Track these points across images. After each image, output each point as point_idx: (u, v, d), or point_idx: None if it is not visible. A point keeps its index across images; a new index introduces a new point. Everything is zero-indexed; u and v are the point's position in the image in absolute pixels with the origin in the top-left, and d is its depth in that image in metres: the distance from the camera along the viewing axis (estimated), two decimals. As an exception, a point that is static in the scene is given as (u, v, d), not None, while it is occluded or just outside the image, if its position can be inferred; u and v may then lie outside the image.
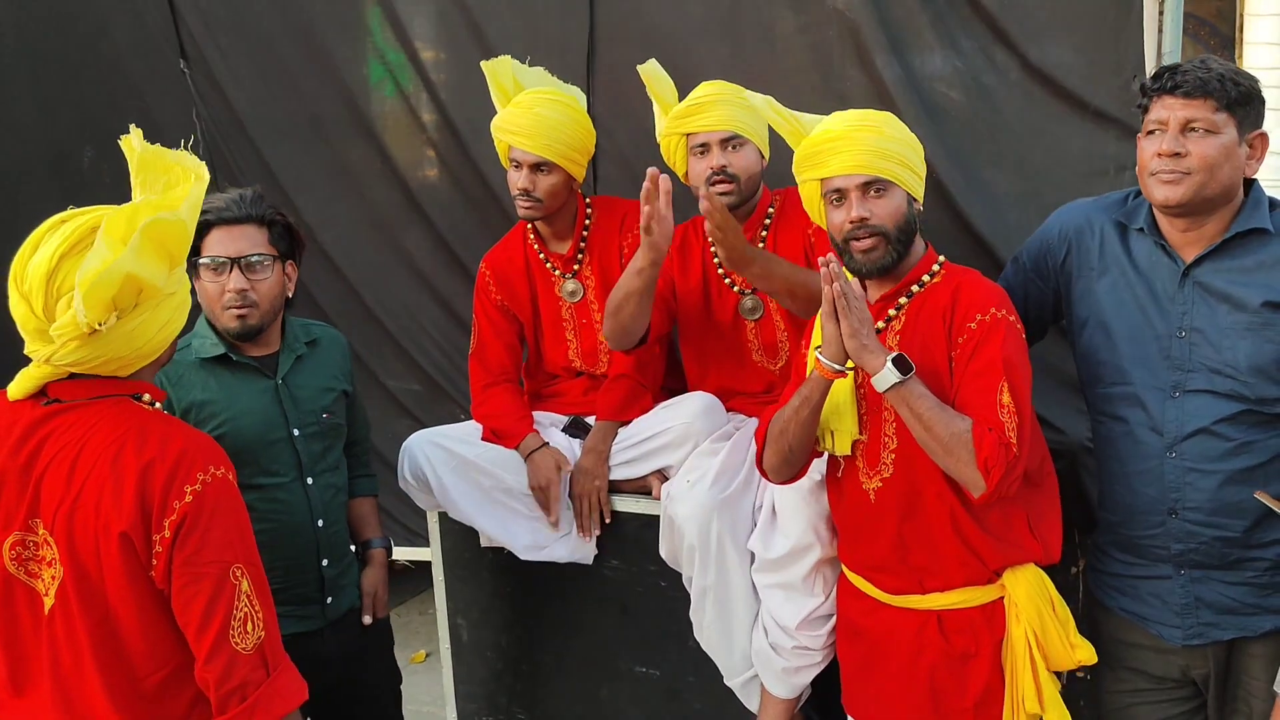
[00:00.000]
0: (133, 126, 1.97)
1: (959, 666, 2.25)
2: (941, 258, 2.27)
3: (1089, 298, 2.30)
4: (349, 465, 2.75)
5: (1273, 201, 2.18)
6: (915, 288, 2.25)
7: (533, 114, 2.86)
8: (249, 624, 1.86)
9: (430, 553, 3.18)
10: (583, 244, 3.03)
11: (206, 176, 1.96)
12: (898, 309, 2.25)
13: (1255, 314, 2.11)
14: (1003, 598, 2.22)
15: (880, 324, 2.26)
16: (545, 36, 3.48)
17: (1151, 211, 2.23)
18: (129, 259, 1.78)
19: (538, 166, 2.86)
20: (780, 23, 3.31)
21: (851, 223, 2.21)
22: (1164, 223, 2.21)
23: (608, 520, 2.87)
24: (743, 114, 2.70)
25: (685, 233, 2.91)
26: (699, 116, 2.72)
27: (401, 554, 4.04)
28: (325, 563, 2.54)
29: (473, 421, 3.09)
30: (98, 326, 1.79)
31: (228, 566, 1.85)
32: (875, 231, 2.20)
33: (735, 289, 2.84)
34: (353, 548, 2.72)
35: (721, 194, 2.65)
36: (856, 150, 2.20)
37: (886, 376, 2.09)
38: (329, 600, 2.55)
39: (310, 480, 2.52)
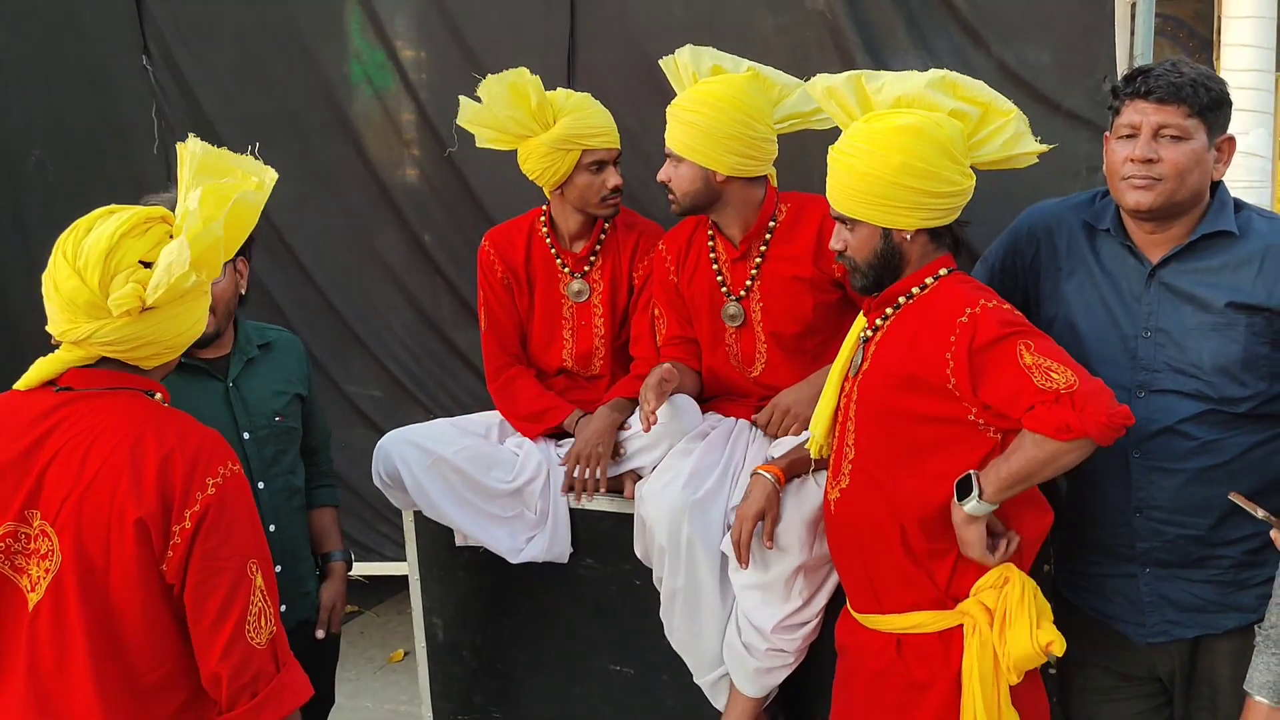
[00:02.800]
0: (191, 135, 1.99)
1: (916, 696, 2.21)
2: (943, 270, 2.22)
3: (1056, 297, 2.32)
4: (309, 474, 2.73)
5: (1238, 203, 2.20)
6: (903, 299, 2.23)
7: (604, 112, 2.97)
8: (263, 619, 1.89)
9: (407, 553, 3.17)
10: (598, 246, 3.04)
11: (274, 176, 2.01)
12: (884, 319, 2.25)
13: (1220, 315, 2.13)
14: (962, 625, 2.15)
15: (868, 332, 2.28)
16: (526, 36, 3.49)
17: (1118, 212, 2.25)
18: (219, 226, 1.86)
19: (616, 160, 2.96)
20: (759, 23, 3.33)
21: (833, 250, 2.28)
22: (1130, 224, 2.23)
23: (602, 490, 2.86)
24: (683, 132, 2.70)
25: (690, 228, 2.92)
26: (668, 129, 2.77)
27: (359, 569, 4.01)
28: (279, 569, 2.43)
29: (443, 419, 3.09)
30: (150, 304, 1.84)
31: (245, 561, 1.88)
32: (848, 262, 2.25)
33: (724, 290, 2.84)
34: (312, 559, 2.71)
35: (670, 201, 2.76)
36: (831, 183, 2.22)
37: (981, 507, 2.10)
38: (282, 609, 2.45)
39: (261, 484, 2.49)
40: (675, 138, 2.71)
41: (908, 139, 2.13)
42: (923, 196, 2.14)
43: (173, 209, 1.93)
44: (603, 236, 3.05)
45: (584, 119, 2.92)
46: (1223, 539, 2.17)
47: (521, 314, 3.12)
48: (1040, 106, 3.05)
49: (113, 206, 1.91)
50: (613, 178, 2.94)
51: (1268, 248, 2.13)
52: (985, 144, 2.24)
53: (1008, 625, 2.10)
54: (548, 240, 3.06)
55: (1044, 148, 2.28)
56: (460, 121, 3.02)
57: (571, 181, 2.94)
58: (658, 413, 2.65)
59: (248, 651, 1.86)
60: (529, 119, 2.90)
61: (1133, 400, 2.17)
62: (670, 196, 2.76)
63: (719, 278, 2.84)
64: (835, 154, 2.22)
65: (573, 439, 2.95)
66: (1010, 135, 2.25)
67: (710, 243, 2.85)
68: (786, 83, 2.82)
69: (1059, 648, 2.09)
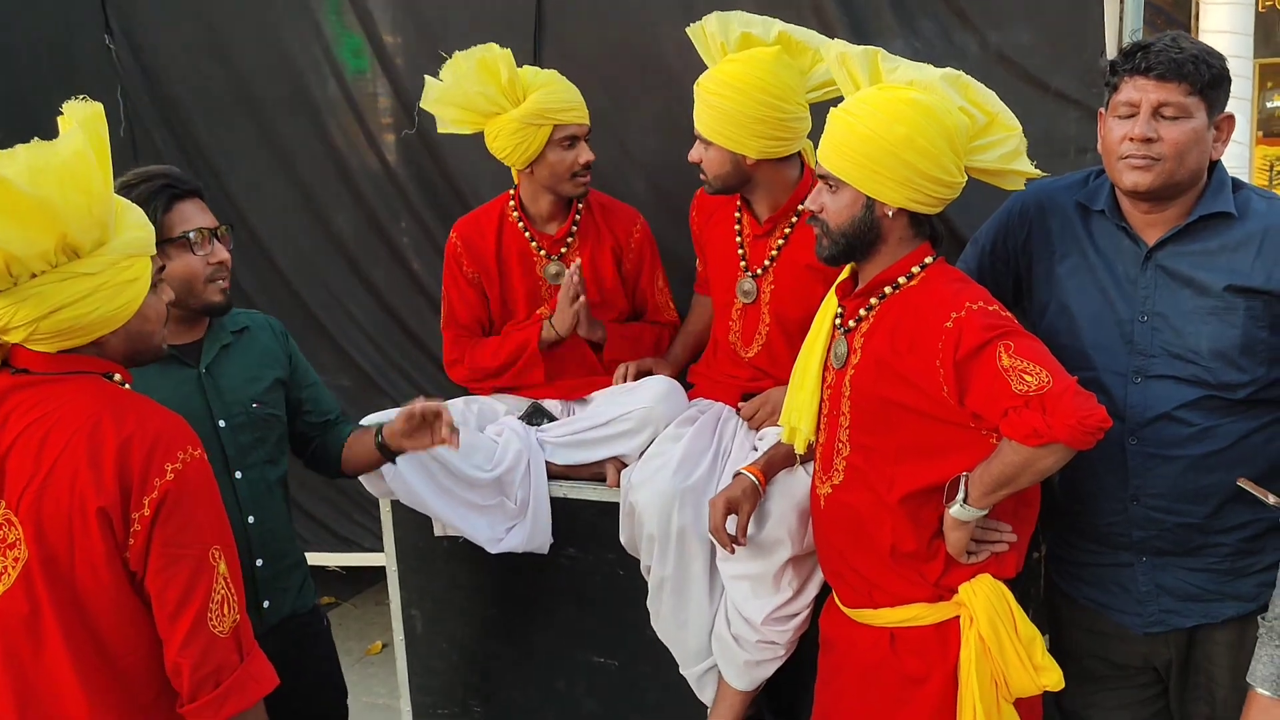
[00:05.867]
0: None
1: (910, 691, 2.16)
2: (928, 259, 2.16)
3: (1050, 280, 2.27)
4: (334, 434, 2.61)
5: (1236, 183, 2.15)
6: (888, 289, 2.17)
7: (569, 86, 2.94)
8: (225, 607, 1.84)
9: (384, 543, 3.10)
10: (574, 227, 2.99)
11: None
12: (868, 309, 2.19)
13: (1218, 298, 2.08)
14: (958, 617, 2.12)
15: (851, 323, 2.22)
16: (491, 12, 3.42)
17: (1113, 193, 2.20)
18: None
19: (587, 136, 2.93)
20: (740, 3, 3.26)
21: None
22: (1126, 205, 2.18)
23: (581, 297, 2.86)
24: (708, 116, 2.63)
25: (722, 202, 2.86)
26: (696, 109, 2.70)
27: (335, 560, 4.02)
28: (259, 562, 2.39)
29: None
30: None
31: (207, 548, 1.82)
32: (820, 224, 2.18)
33: (743, 264, 2.78)
34: (298, 552, 2.59)
35: (701, 181, 2.72)
36: (826, 140, 2.15)
37: (967, 512, 2.07)
38: (265, 604, 2.40)
39: (238, 474, 2.38)
40: (703, 121, 2.64)
41: (917, 114, 2.07)
42: (916, 175, 2.07)
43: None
44: (578, 218, 3.00)
45: (554, 93, 2.87)
46: (1220, 526, 2.13)
47: (494, 304, 3.07)
48: (1029, 87, 3.01)
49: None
50: (584, 153, 2.90)
51: (1267, 229, 2.08)
52: (984, 151, 2.17)
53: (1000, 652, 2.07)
54: (520, 224, 3.00)
55: (1036, 173, 2.24)
56: (424, 103, 2.96)
57: (543, 158, 2.89)
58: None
59: (210, 641, 1.81)
60: (499, 95, 2.84)
61: (1129, 386, 2.13)
62: (702, 176, 2.71)
63: (740, 251, 2.79)
64: (839, 113, 2.15)
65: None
66: (1009, 150, 2.19)
67: (737, 214, 2.80)
68: (820, 45, 2.70)
69: (1057, 686, 2.09)
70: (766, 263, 2.73)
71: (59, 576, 1.78)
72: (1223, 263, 2.09)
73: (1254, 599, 2.11)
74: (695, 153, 2.70)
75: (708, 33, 2.71)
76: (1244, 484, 1.66)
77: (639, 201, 3.18)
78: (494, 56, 2.82)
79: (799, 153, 2.72)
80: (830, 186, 2.15)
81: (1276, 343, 2.09)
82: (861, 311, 2.19)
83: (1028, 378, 1.94)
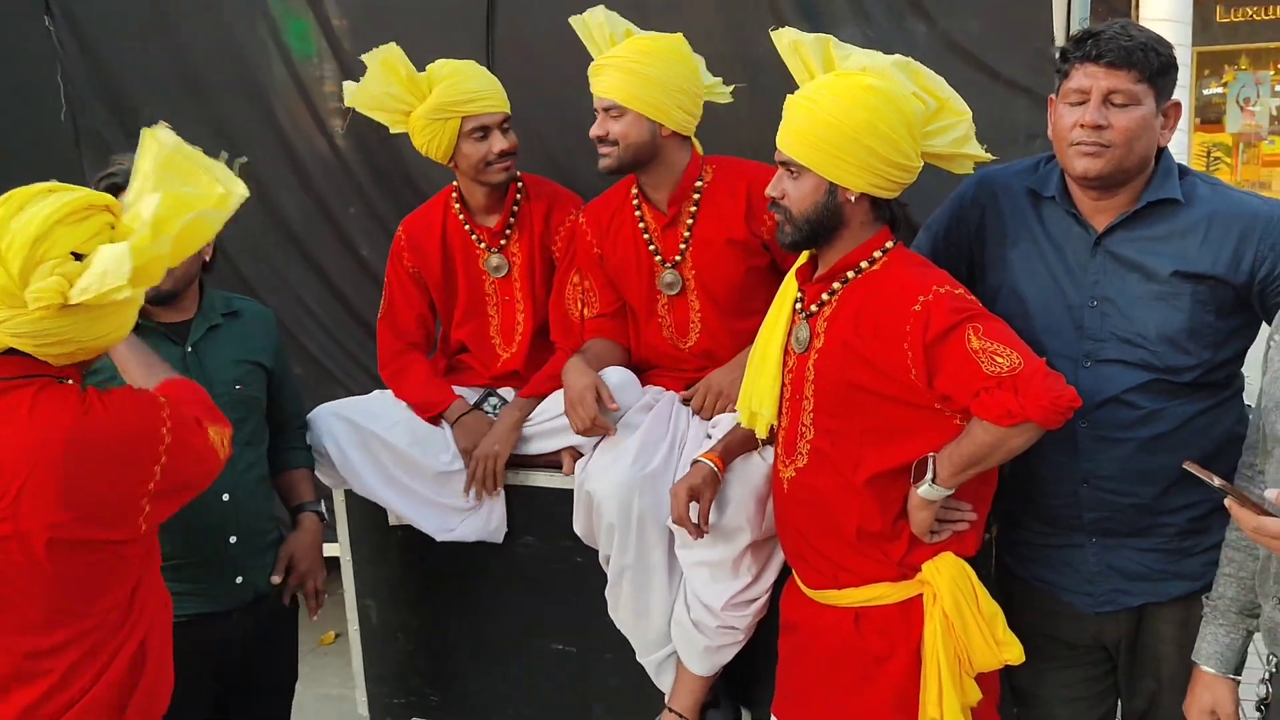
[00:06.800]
0: (163, 121, 1.85)
1: (875, 669, 2.19)
2: (889, 243, 2.18)
3: (1001, 265, 2.29)
4: (279, 441, 2.69)
5: (1181, 169, 2.18)
6: (851, 273, 2.18)
7: (482, 74, 2.90)
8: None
9: (338, 534, 3.07)
10: (512, 219, 2.96)
11: (244, 194, 1.85)
12: (830, 294, 2.20)
13: (1166, 283, 2.12)
14: (922, 595, 2.15)
15: (814, 307, 2.23)
16: (446, 5, 3.38)
17: (1063, 179, 2.22)
18: (167, 242, 1.73)
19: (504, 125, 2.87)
20: (694, -9, 3.26)
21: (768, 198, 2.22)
22: (1076, 191, 2.21)
23: (499, 490, 2.82)
24: (629, 82, 2.61)
25: (613, 198, 2.85)
26: (595, 79, 2.68)
27: None
28: (233, 539, 2.45)
29: (379, 393, 3.01)
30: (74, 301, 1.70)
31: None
32: (782, 211, 2.18)
33: (658, 258, 2.77)
34: (274, 531, 2.63)
35: (602, 156, 2.67)
36: (786, 127, 2.16)
37: (935, 492, 2.10)
38: (238, 580, 2.46)
39: None
40: (620, 88, 2.61)
41: (876, 100, 2.09)
42: (877, 160, 2.09)
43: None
44: (515, 208, 2.97)
45: (457, 84, 2.83)
46: (1168, 507, 2.17)
47: (436, 296, 3.05)
48: (979, 75, 3.04)
49: (54, 185, 1.75)
50: (498, 142, 2.84)
51: (1212, 214, 2.12)
52: (936, 136, 2.20)
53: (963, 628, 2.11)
54: (461, 216, 2.97)
55: (986, 156, 2.27)
56: (347, 103, 2.93)
57: (459, 151, 2.86)
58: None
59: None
60: (404, 92, 2.82)
61: (1079, 370, 2.16)
62: (606, 151, 2.65)
63: (650, 247, 2.77)
64: (798, 99, 2.16)
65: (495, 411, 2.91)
66: (960, 135, 2.22)
67: (637, 212, 2.78)
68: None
69: (1018, 659, 2.13)
70: (682, 246, 2.73)
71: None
72: (1170, 248, 2.13)
73: (1200, 577, 2.15)
74: (600, 127, 2.64)
75: (593, 24, 2.73)
76: (1189, 466, 1.69)
77: (596, 189, 3.15)
78: (393, 56, 2.81)
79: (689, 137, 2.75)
80: (792, 173, 2.16)
81: (1222, 326, 2.13)
82: (824, 296, 2.21)
83: (999, 359, 1.97)
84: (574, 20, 2.77)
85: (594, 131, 2.66)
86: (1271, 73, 9.87)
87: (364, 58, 2.83)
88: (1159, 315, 2.12)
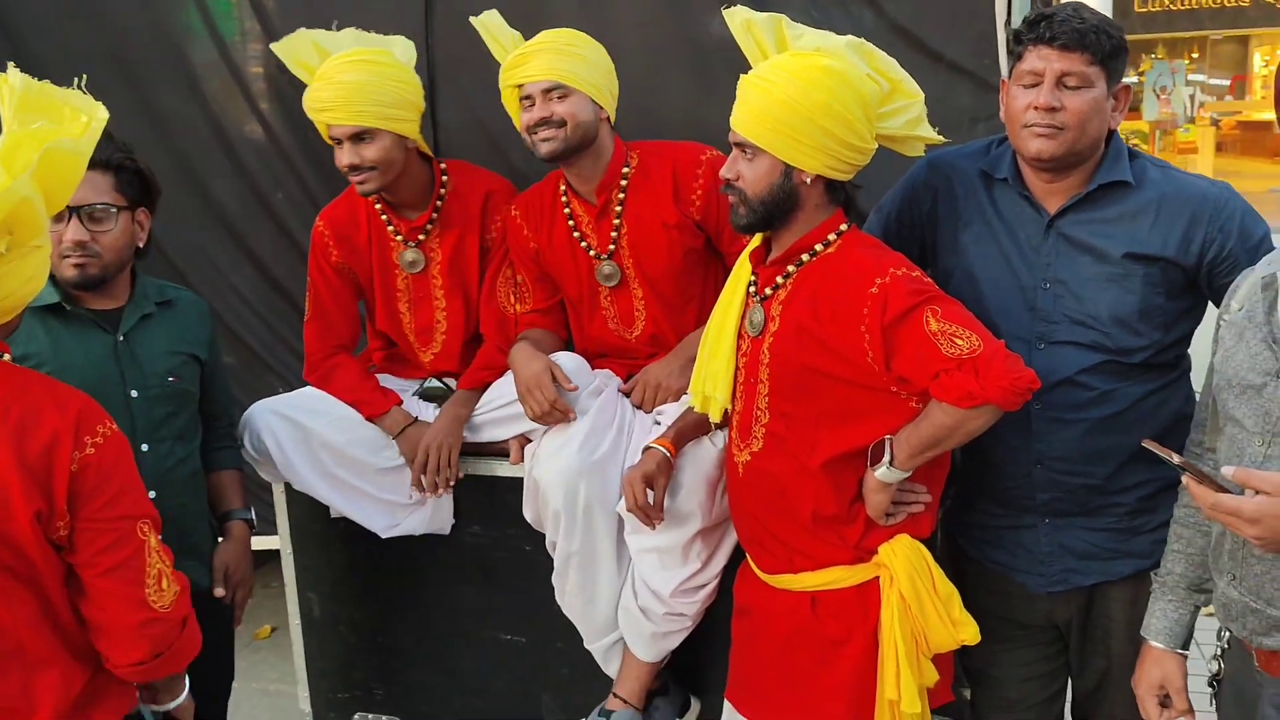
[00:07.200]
0: (10, 64, 1.80)
1: (832, 653, 2.19)
2: (844, 226, 2.17)
3: (954, 248, 2.30)
4: (209, 438, 2.60)
5: (1131, 152, 2.20)
6: (806, 256, 2.17)
7: (336, 83, 2.63)
8: (164, 581, 1.86)
9: (278, 526, 3.00)
10: (435, 213, 2.85)
11: (104, 115, 1.83)
12: (785, 277, 2.19)
13: (1117, 265, 2.14)
14: (878, 577, 2.15)
15: (768, 290, 2.21)
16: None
17: (1015, 161, 2.23)
18: (25, 182, 1.67)
19: (358, 137, 2.64)
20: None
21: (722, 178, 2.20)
22: (1028, 174, 2.21)
23: (452, 483, 2.75)
24: (570, 63, 2.57)
25: (543, 192, 2.79)
26: (524, 67, 2.59)
27: None
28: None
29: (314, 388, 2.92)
30: None
31: (135, 523, 1.82)
32: (737, 193, 2.15)
33: (592, 253, 2.72)
34: (207, 530, 2.55)
35: (546, 140, 2.56)
36: (740, 108, 2.13)
37: (892, 474, 2.10)
38: None
39: (145, 447, 2.34)
40: (561, 69, 2.55)
41: (833, 80, 2.08)
42: (833, 142, 2.08)
43: None
44: (439, 203, 2.84)
45: (311, 90, 2.69)
46: (1119, 486, 2.20)
47: (366, 294, 2.95)
48: (922, 58, 3.03)
49: None
50: (343, 156, 2.65)
51: (1162, 197, 2.14)
52: (890, 117, 2.20)
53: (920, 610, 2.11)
54: (379, 207, 2.85)
55: (938, 139, 2.27)
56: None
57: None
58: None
59: (149, 620, 1.83)
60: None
61: (1032, 352, 2.17)
62: (551, 135, 2.56)
63: (583, 242, 2.72)
64: (752, 80, 2.13)
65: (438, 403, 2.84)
66: (913, 117, 2.23)
67: (566, 209, 2.73)
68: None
69: (974, 640, 2.15)
70: (614, 235, 2.69)
71: None
72: (1121, 231, 2.15)
73: (1149, 555, 2.18)
74: (544, 109, 2.54)
75: (491, 25, 2.70)
76: (1149, 445, 1.71)
77: (542, 173, 3.08)
78: (292, 40, 2.75)
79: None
80: (747, 154, 2.13)
81: (1172, 308, 2.16)
82: (779, 279, 2.19)
83: (959, 341, 1.98)
84: (475, 21, 2.72)
85: (536, 115, 2.56)
86: (1186, 61, 10.11)
87: (273, 47, 2.75)
88: (1111, 297, 2.14)
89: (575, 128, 2.57)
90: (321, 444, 2.75)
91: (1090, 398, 2.16)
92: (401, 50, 2.83)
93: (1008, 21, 3.03)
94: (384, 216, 2.85)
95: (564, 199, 2.73)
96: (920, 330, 2.01)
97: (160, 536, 1.91)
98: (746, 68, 2.22)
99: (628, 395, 2.72)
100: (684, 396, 2.57)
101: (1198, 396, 2.07)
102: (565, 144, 2.57)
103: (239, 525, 2.61)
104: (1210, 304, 2.18)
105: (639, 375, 2.71)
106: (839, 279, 2.11)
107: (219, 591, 2.49)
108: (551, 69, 2.56)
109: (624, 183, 2.68)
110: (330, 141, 2.71)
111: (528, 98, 2.59)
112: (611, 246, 2.69)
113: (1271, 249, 1.99)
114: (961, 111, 3.04)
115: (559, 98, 2.57)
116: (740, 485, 2.28)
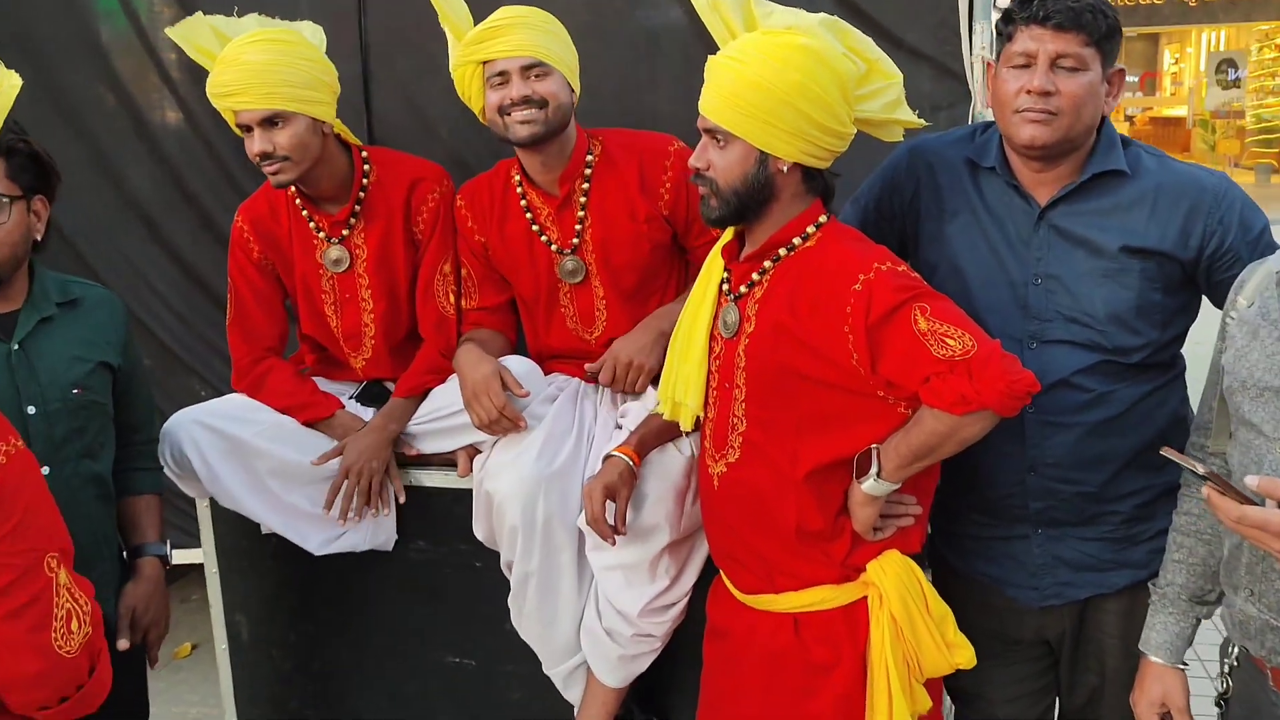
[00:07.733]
0: None
1: (818, 680, 2.02)
2: (823, 217, 2.02)
3: (939, 240, 2.16)
4: (125, 456, 2.35)
5: (1125, 140, 2.08)
6: (783, 251, 2.00)
7: (241, 65, 2.40)
8: (73, 622, 1.65)
9: (202, 542, 2.77)
10: (358, 206, 2.61)
11: (17, 83, 1.78)
12: (761, 273, 2.02)
13: (1113, 259, 2.02)
14: (866, 597, 1.99)
15: (742, 288, 2.04)
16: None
17: (1002, 148, 2.10)
18: None
19: (269, 121, 2.41)
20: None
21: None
22: (1017, 162, 2.08)
23: (384, 512, 2.56)
24: (547, 40, 2.40)
25: (492, 183, 2.59)
26: (496, 41, 2.38)
27: None
28: None
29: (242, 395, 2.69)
30: None
31: (41, 555, 1.62)
32: (708, 184, 1.99)
33: (553, 247, 2.53)
34: (116, 560, 2.31)
35: (525, 121, 2.36)
36: (710, 92, 1.96)
37: (880, 487, 1.94)
38: None
39: (47, 470, 2.06)
40: (541, 47, 2.37)
41: (808, 60, 1.91)
42: (810, 126, 1.92)
43: None
44: (362, 194, 2.61)
45: (215, 73, 2.46)
46: (1115, 494, 2.09)
47: (291, 293, 2.72)
48: (882, 42, 2.84)
49: None
50: (254, 143, 2.44)
51: (1159, 187, 2.03)
52: (868, 100, 2.04)
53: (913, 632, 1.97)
54: (298, 202, 2.62)
55: (918, 122, 2.12)
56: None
57: None
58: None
59: (55, 666, 1.63)
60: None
61: (1024, 352, 2.04)
62: (531, 116, 2.36)
63: (543, 236, 2.53)
64: (722, 61, 1.96)
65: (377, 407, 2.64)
66: (892, 99, 2.07)
67: (522, 201, 2.53)
68: None
69: (970, 663, 2.00)
70: (578, 228, 2.50)
71: None
72: (1116, 223, 2.03)
73: (1146, 566, 2.07)
74: (524, 87, 2.35)
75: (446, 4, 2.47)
76: (1168, 452, 1.60)
77: (484, 164, 2.87)
78: (187, 25, 2.52)
79: None
80: (718, 141, 1.96)
81: (1169, 304, 2.05)
82: (754, 276, 2.03)
83: (950, 341, 1.82)
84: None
85: (515, 93, 2.36)
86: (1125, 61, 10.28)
87: (169, 32, 2.52)
88: (1106, 293, 2.02)
89: (556, 109, 2.38)
90: (253, 453, 2.53)
91: (1086, 400, 2.04)
92: (311, 33, 2.61)
93: (970, 6, 2.94)
94: (304, 212, 2.62)
95: (519, 190, 2.53)
96: (908, 330, 1.86)
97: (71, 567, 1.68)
98: (699, 54, 2.05)
99: (594, 378, 2.53)
100: (647, 399, 2.41)
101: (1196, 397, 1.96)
102: (546, 126, 2.38)
103: (151, 563, 2.36)
104: (1206, 301, 2.08)
105: (607, 353, 2.50)
106: (819, 275, 1.95)
107: (123, 644, 2.23)
108: (534, 45, 2.37)
109: (588, 172, 2.49)
110: (238, 131, 2.48)
111: (501, 74, 2.38)
112: (575, 240, 2.50)
113: (1271, 241, 1.89)
114: (922, 98, 2.92)
115: (538, 76, 2.37)
116: (715, 499, 2.12)
